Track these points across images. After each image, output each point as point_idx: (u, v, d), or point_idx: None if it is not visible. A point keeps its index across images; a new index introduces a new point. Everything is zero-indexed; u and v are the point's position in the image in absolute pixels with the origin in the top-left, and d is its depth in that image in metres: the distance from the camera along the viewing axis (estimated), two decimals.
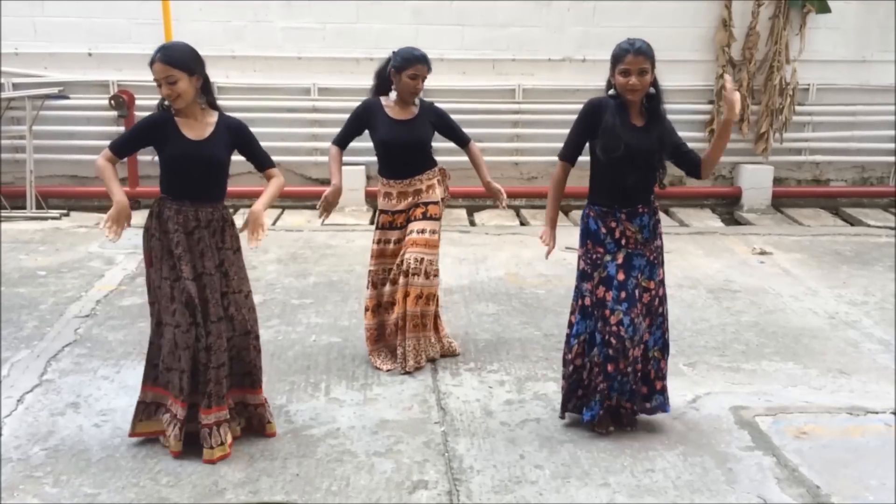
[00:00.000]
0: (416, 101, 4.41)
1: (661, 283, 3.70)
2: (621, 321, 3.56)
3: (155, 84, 3.36)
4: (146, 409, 3.58)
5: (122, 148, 3.52)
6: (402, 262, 4.35)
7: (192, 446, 3.48)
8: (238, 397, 3.64)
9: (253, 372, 3.64)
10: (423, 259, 4.33)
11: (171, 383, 3.49)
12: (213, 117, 3.48)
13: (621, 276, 3.57)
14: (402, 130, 4.33)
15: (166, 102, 3.40)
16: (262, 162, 3.66)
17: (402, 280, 4.35)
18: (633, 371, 3.63)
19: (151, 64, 3.34)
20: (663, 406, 3.77)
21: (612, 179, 3.56)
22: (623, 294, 3.57)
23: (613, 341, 3.58)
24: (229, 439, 3.51)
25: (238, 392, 3.63)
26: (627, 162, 3.49)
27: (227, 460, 3.46)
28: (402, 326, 4.35)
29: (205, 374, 3.44)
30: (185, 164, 3.40)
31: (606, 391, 3.64)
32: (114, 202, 3.40)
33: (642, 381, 3.70)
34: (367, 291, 4.55)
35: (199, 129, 3.43)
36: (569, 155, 3.69)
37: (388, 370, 4.39)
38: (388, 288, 4.45)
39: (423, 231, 4.36)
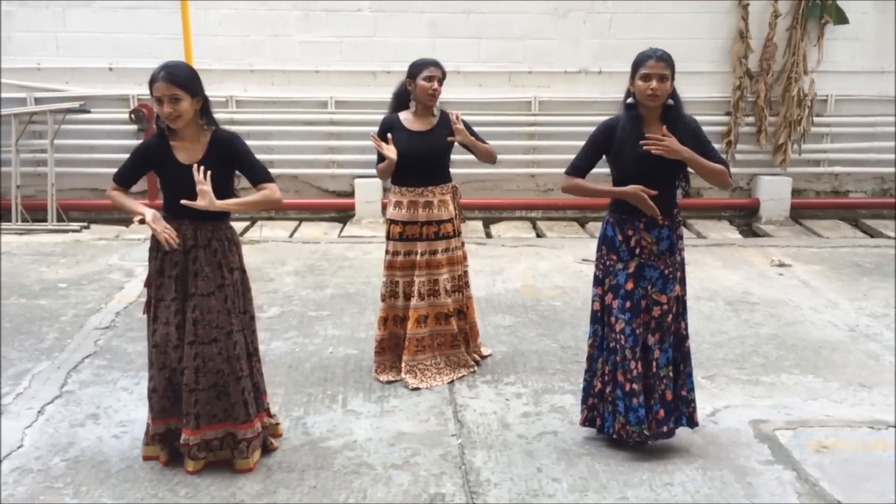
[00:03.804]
0: (436, 110, 4.43)
1: (677, 299, 3.64)
2: (623, 330, 3.56)
3: (155, 102, 3.27)
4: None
5: (126, 177, 3.48)
6: (415, 282, 4.40)
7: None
8: (227, 429, 3.51)
9: (254, 393, 3.60)
10: (437, 280, 4.41)
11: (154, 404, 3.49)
12: (208, 136, 3.39)
13: (629, 286, 3.57)
14: (420, 142, 4.35)
15: (164, 124, 3.35)
16: (253, 176, 3.45)
17: (415, 301, 4.39)
18: (635, 390, 3.55)
19: (153, 82, 3.24)
20: (671, 433, 3.66)
21: None
22: (628, 304, 3.56)
23: (617, 349, 3.59)
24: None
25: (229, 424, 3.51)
26: (641, 175, 3.48)
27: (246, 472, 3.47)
28: (425, 345, 4.42)
29: (189, 396, 3.40)
30: (180, 190, 3.31)
31: (617, 403, 3.60)
32: (143, 215, 3.28)
33: (659, 404, 3.62)
34: (379, 303, 4.58)
35: (192, 151, 3.36)
36: (574, 172, 3.66)
37: (387, 382, 4.39)
38: (400, 302, 4.47)
39: (434, 252, 4.42)
